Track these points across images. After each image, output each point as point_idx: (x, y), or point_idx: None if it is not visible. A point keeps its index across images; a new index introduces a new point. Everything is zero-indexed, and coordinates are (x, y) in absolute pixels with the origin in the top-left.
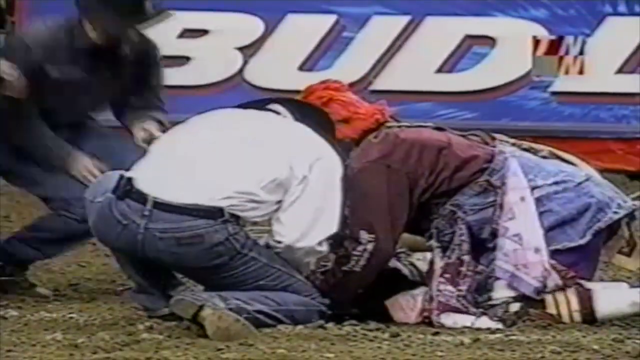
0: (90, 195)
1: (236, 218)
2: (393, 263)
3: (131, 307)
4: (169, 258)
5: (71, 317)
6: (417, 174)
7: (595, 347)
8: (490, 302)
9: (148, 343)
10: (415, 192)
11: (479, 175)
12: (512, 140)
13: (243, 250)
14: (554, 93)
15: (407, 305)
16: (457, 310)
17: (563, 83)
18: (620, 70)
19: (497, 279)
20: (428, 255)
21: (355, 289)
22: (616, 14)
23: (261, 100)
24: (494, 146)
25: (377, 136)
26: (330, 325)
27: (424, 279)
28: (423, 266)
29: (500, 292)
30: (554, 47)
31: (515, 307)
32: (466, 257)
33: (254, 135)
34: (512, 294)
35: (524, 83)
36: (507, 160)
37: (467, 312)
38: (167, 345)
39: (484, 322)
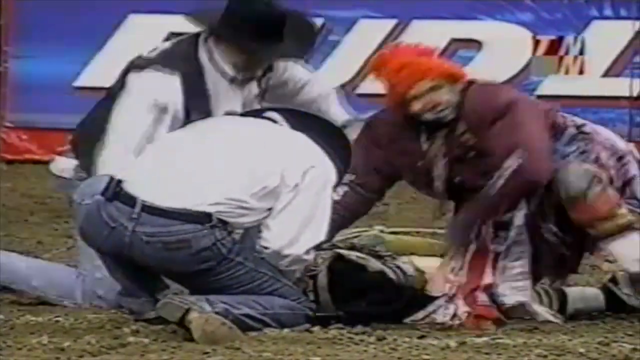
0: (78, 197)
1: (224, 224)
2: (378, 266)
3: (117, 311)
4: (156, 262)
5: (57, 321)
6: None
7: (581, 350)
8: None
9: (134, 346)
10: None
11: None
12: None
13: (230, 256)
14: (541, 96)
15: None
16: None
17: (549, 86)
18: (606, 74)
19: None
20: (415, 258)
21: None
22: (602, 17)
23: (260, 109)
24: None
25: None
26: (316, 329)
27: (410, 283)
28: (409, 269)
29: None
30: (554, 47)
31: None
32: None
33: (247, 142)
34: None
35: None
36: None
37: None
38: (154, 348)
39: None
